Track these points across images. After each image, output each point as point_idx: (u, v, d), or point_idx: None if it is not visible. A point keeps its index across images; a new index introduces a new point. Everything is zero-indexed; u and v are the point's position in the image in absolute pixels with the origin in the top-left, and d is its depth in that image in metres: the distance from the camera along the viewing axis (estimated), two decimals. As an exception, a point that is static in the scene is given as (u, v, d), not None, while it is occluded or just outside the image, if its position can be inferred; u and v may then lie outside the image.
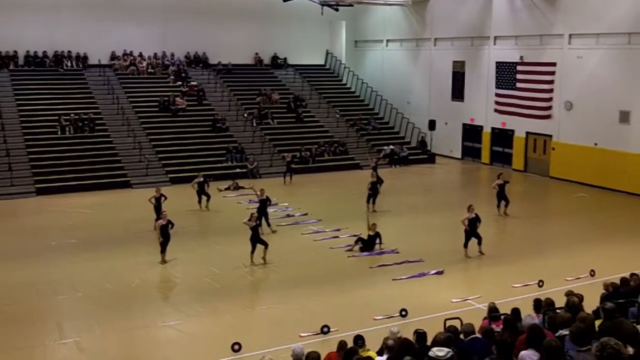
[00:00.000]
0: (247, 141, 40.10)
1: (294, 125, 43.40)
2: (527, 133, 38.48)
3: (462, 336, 10.62)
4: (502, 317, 11.77)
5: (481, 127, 41.85)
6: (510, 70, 39.03)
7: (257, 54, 49.57)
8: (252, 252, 21.45)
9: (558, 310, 11.25)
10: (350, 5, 46.40)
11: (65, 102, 39.70)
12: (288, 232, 25.69)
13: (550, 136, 36.95)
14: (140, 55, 45.94)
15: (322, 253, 22.92)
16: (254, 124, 42.09)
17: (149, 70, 45.50)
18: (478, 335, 10.62)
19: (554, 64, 36.28)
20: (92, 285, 19.69)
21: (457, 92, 43.46)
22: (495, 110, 40.30)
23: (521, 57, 38.30)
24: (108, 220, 27.60)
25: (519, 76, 38.44)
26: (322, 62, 52.60)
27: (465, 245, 22.26)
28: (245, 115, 42.70)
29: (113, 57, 45.29)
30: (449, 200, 31.50)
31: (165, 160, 37.07)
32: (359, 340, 11.74)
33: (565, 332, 8.81)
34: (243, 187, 32.60)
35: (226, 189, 33.19)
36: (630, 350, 7.51)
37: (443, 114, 44.14)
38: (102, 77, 43.00)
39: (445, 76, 44.17)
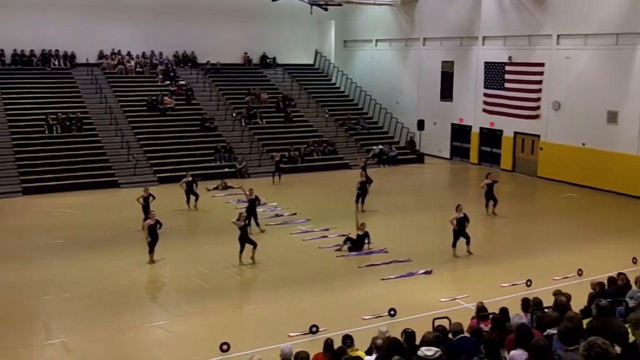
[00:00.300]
0: (235, 141, 40.06)
1: (282, 124, 43.36)
2: (516, 133, 38.58)
3: (450, 335, 10.62)
4: (491, 316, 11.78)
5: (470, 127, 41.93)
6: (498, 70, 39.12)
7: (246, 53, 49.54)
8: (241, 251, 21.42)
9: (546, 310, 11.28)
10: (339, 4, 46.40)
11: (53, 101, 39.52)
12: (277, 232, 25.65)
13: (539, 136, 37.08)
14: (129, 54, 45.80)
15: (311, 253, 22.91)
16: (243, 124, 42.04)
17: (137, 70, 45.36)
18: (466, 334, 10.63)
19: (542, 65, 36.39)
20: (80, 285, 19.60)
21: (446, 92, 43.51)
22: (484, 110, 40.39)
23: (510, 58, 38.39)
24: (96, 220, 27.49)
25: (507, 76, 38.54)
26: (311, 62, 52.59)
27: (454, 245, 22.29)
28: (234, 114, 42.63)
29: (101, 56, 45.15)
30: (438, 200, 31.55)
31: (153, 159, 36.95)
32: (348, 340, 11.73)
33: (553, 331, 8.84)
34: (232, 187, 32.61)
35: (215, 188, 33.16)
36: (618, 349, 7.54)
37: (432, 114, 44.20)
38: (90, 76, 42.83)
39: (434, 76, 44.22)
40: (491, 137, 40.51)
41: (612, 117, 32.65)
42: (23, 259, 22.22)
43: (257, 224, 25.34)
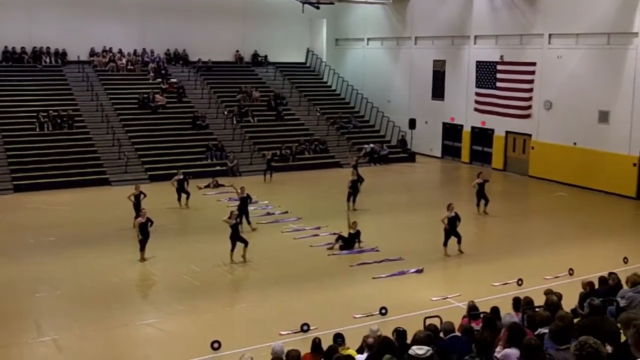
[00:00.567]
0: (227, 139, 40.00)
1: (274, 123, 43.33)
2: (507, 132, 38.65)
3: (442, 334, 10.65)
4: (482, 315, 11.80)
5: (461, 126, 41.98)
6: (490, 69, 39.18)
7: (237, 51, 49.47)
8: (232, 250, 21.40)
9: (537, 309, 11.30)
10: (331, 3, 46.35)
11: (44, 98, 39.39)
12: (268, 230, 25.64)
13: (530, 135, 37.15)
14: (120, 51, 45.68)
15: (302, 251, 22.90)
16: (234, 122, 42.00)
17: (128, 67, 45.23)
18: (458, 333, 10.65)
19: (533, 64, 36.46)
20: (71, 283, 19.56)
21: (438, 91, 43.55)
22: (475, 110, 40.45)
23: (501, 57, 38.45)
24: (87, 218, 27.44)
25: (499, 75, 38.61)
26: (303, 60, 52.56)
27: (445, 244, 22.32)
28: (226, 112, 42.58)
29: (92, 53, 45.00)
30: (429, 199, 31.58)
31: (144, 157, 36.87)
32: (339, 338, 11.74)
33: (544, 330, 8.86)
34: (223, 185, 32.58)
35: (206, 186, 33.11)
36: (609, 348, 7.56)
37: (423, 113, 44.23)
38: (81, 73, 42.66)
39: (425, 75, 44.26)
40: (482, 136, 40.57)
41: (604, 116, 32.73)
42: (14, 256, 22.15)
43: (249, 222, 25.33)
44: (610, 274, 14.26)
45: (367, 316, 16.59)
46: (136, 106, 41.42)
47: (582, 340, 6.22)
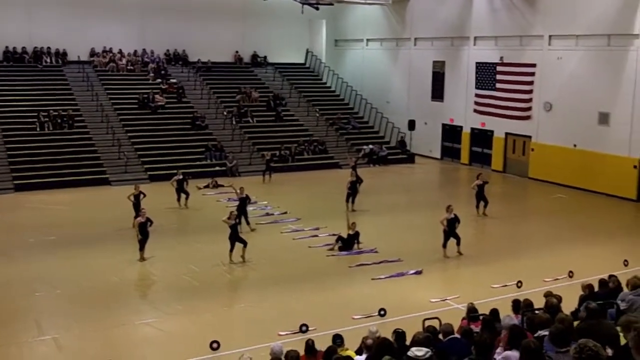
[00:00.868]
0: (226, 139, 40.01)
1: (273, 123, 43.34)
2: (507, 134, 38.64)
3: (441, 336, 10.63)
4: (481, 317, 11.80)
5: (461, 127, 41.98)
6: (490, 70, 39.18)
7: (237, 52, 49.49)
8: (231, 250, 21.41)
9: (537, 311, 11.29)
10: (331, 4, 46.37)
11: (45, 98, 39.44)
12: (267, 231, 25.64)
13: (530, 137, 37.13)
14: (120, 52, 45.73)
15: (301, 252, 22.90)
16: (234, 122, 42.00)
17: (128, 67, 45.25)
18: (457, 335, 10.64)
19: (533, 65, 36.45)
20: (70, 282, 19.57)
21: (437, 92, 43.55)
22: (475, 111, 40.43)
23: (501, 58, 38.44)
24: (86, 218, 27.45)
25: (498, 77, 38.60)
26: (302, 61, 52.58)
27: (444, 246, 22.31)
28: (225, 113, 42.59)
29: (92, 53, 45.05)
30: (428, 200, 31.56)
31: (144, 157, 36.89)
32: (338, 339, 11.73)
33: (544, 332, 8.85)
34: (222, 185, 32.59)
35: (205, 187, 33.12)
36: (609, 351, 7.55)
37: (423, 114, 44.23)
38: (81, 73, 42.69)
39: (425, 76, 44.25)
40: (482, 137, 40.56)
41: (604, 118, 32.72)
42: (14, 255, 22.17)
43: (248, 223, 25.33)
44: (610, 276, 14.25)
45: (366, 317, 16.58)
46: (136, 106, 41.43)
47: (581, 343, 6.22)
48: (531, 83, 36.62)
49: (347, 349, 11.50)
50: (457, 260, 22.27)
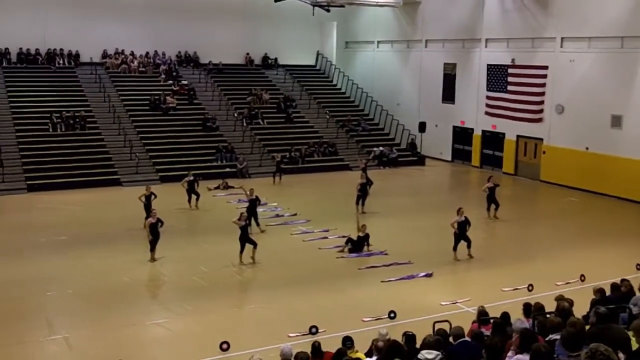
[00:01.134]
0: (237, 141, 40.05)
1: (283, 125, 43.35)
2: (518, 136, 38.51)
3: (451, 339, 10.60)
4: (492, 321, 11.75)
5: (472, 129, 41.86)
6: (501, 72, 39.06)
7: (247, 54, 49.54)
8: (241, 251, 21.42)
9: (548, 315, 11.23)
10: (342, 6, 46.31)
11: (57, 99, 39.61)
12: (277, 232, 25.64)
13: (541, 140, 36.99)
14: (132, 53, 45.88)
15: (311, 253, 22.89)
16: (244, 124, 42.04)
17: (140, 69, 45.39)
18: (468, 338, 10.60)
19: (545, 67, 36.32)
20: (81, 282, 19.63)
21: (448, 94, 43.46)
22: (486, 113, 40.33)
23: (513, 60, 38.32)
24: (98, 218, 27.53)
25: (510, 79, 38.48)
26: (313, 63, 52.59)
27: (455, 248, 22.25)
28: (236, 114, 42.64)
29: (105, 55, 45.21)
30: (439, 203, 31.47)
31: (155, 158, 36.99)
32: (348, 341, 11.74)
33: (556, 336, 8.80)
34: (232, 187, 32.63)
35: (216, 188, 33.17)
36: (622, 356, 7.51)
37: (433, 116, 44.16)
38: (93, 75, 42.87)
39: (435, 78, 44.17)
40: (493, 140, 40.44)
41: (616, 121, 32.56)
42: (26, 255, 22.29)
43: (258, 224, 25.33)
44: (622, 280, 14.14)
45: (375, 319, 16.55)
46: (147, 108, 41.53)
47: (593, 348, 6.19)
48: (543, 85, 36.50)
49: (357, 351, 11.50)
50: (467, 263, 22.19)
